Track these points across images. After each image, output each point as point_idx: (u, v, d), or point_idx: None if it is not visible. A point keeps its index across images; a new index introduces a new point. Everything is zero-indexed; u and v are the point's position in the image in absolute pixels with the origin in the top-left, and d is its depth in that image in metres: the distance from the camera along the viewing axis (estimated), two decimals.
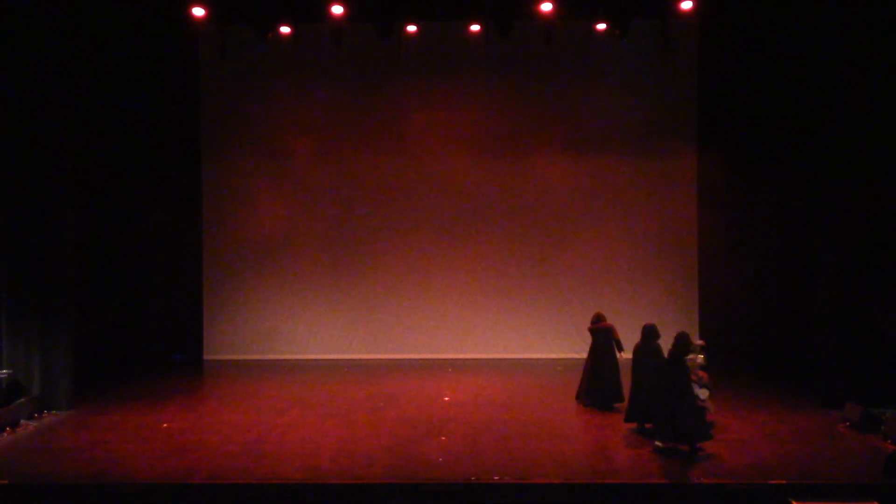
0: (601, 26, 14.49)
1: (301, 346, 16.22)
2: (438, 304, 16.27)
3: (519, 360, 15.82)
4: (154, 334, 15.53)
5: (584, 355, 14.53)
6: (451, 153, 16.23)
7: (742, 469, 8.97)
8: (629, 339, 15.64)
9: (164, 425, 10.97)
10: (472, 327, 16.23)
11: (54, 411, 11.70)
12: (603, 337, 12.01)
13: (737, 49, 14.71)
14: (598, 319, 12.17)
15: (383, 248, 16.33)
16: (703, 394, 9.91)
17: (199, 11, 13.52)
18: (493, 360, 15.80)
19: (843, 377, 11.57)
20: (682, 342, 9.67)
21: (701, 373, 10.17)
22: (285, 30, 14.45)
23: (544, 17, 13.70)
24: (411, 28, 14.62)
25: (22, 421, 11.08)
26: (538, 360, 15.79)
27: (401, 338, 16.24)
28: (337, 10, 13.58)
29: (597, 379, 11.95)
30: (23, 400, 11.42)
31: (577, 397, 12.24)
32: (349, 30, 14.62)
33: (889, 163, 11.55)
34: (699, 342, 9.94)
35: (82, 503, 8.46)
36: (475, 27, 14.65)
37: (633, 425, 10.55)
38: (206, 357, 16.14)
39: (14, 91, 11.67)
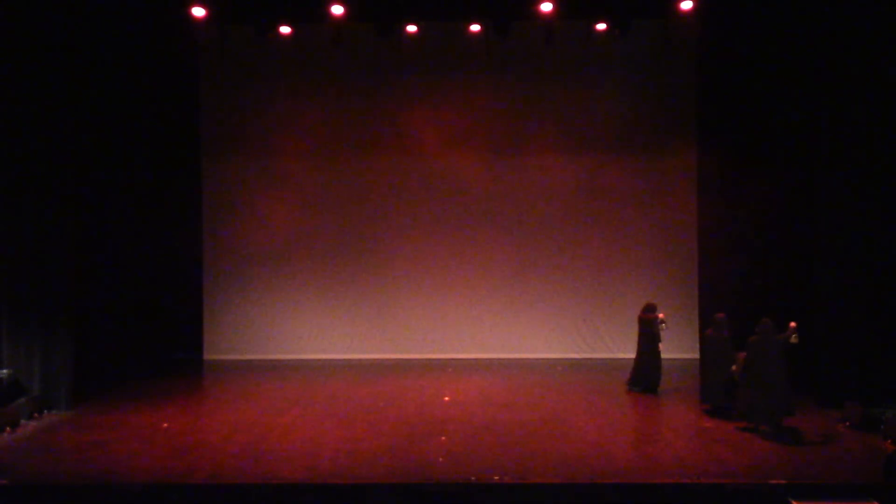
0: (601, 26, 14.50)
1: (301, 346, 16.22)
2: (438, 303, 16.28)
3: (519, 360, 15.82)
4: (154, 334, 15.52)
5: (584, 355, 15.23)
6: (451, 153, 16.24)
7: (742, 469, 8.97)
8: (628, 338, 15.89)
9: (165, 425, 10.97)
10: (472, 327, 16.24)
11: (54, 411, 11.70)
12: (644, 327, 13.05)
13: (737, 49, 14.69)
14: (645, 309, 13.13)
15: (383, 247, 16.33)
16: None
17: (199, 11, 13.52)
18: (493, 360, 15.82)
19: (843, 377, 11.58)
20: (768, 328, 10.48)
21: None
22: (285, 30, 14.46)
23: (544, 17, 13.70)
24: (411, 28, 14.62)
25: (22, 421, 11.08)
26: (538, 360, 15.80)
27: (401, 338, 16.24)
28: (337, 10, 13.58)
29: (637, 365, 13.11)
30: (23, 400, 11.41)
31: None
32: (349, 30, 14.61)
33: (889, 161, 11.55)
34: (792, 325, 10.56)
35: (82, 503, 8.45)
36: (475, 27, 14.64)
37: (708, 406, 11.51)
38: (206, 357, 16.15)
39: (13, 92, 11.66)
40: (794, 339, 10.51)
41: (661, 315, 13.01)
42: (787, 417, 10.48)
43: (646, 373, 12.97)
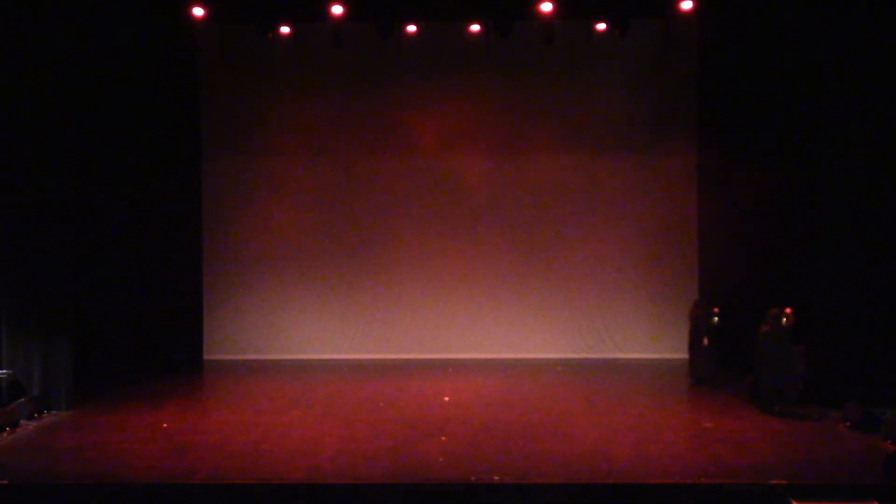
0: (601, 26, 14.51)
1: (301, 346, 16.22)
2: (438, 303, 16.28)
3: (519, 360, 15.82)
4: (154, 334, 15.52)
5: (584, 355, 15.29)
6: (451, 152, 16.24)
7: (742, 469, 8.97)
8: (628, 338, 15.89)
9: (164, 425, 10.97)
10: (472, 327, 16.23)
11: (54, 411, 11.69)
12: (693, 321, 13.76)
13: (737, 48, 14.71)
14: (696, 304, 14.08)
15: (383, 247, 16.33)
16: None
17: (199, 11, 13.53)
18: (493, 360, 15.80)
19: (843, 377, 11.58)
20: (777, 317, 11.46)
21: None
22: (285, 30, 14.46)
23: (544, 16, 13.70)
24: (411, 28, 14.62)
25: (22, 421, 11.06)
26: (538, 360, 15.79)
27: (401, 338, 16.24)
28: (337, 10, 13.59)
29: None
30: (23, 400, 11.40)
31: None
32: (349, 30, 14.61)
33: (890, 158, 11.54)
34: (787, 311, 11.50)
35: (82, 503, 8.45)
36: (475, 27, 14.65)
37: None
38: (206, 357, 16.15)
39: (13, 92, 11.65)
40: (785, 321, 11.42)
41: (715, 309, 13.68)
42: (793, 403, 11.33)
43: (696, 365, 13.53)
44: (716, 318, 13.59)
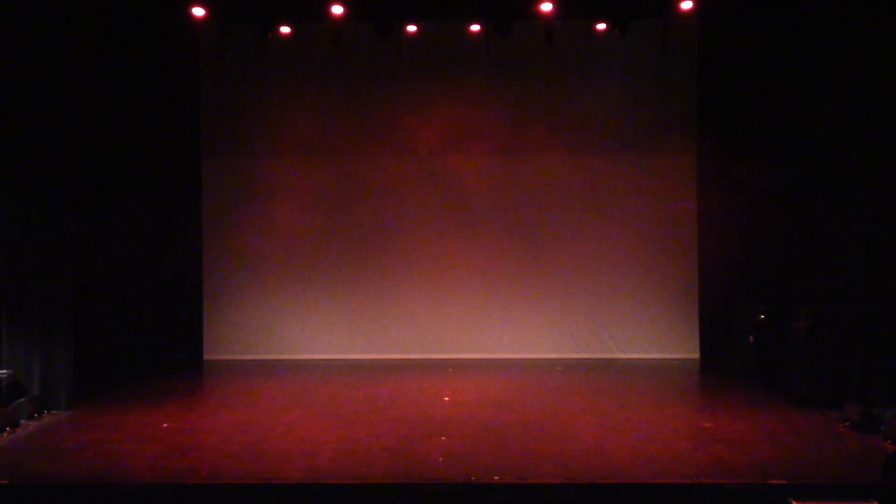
0: (601, 26, 14.51)
1: (301, 346, 16.21)
2: (438, 303, 16.27)
3: (519, 360, 15.81)
4: (154, 334, 15.52)
5: (584, 355, 15.31)
6: (451, 152, 16.23)
7: (742, 469, 8.97)
8: (628, 338, 15.89)
9: (164, 425, 10.96)
10: (472, 327, 16.22)
11: (54, 411, 11.68)
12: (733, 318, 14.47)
13: (737, 48, 14.72)
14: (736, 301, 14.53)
15: (383, 247, 16.32)
16: None
17: (199, 11, 13.52)
18: (493, 359, 15.79)
19: (843, 377, 11.58)
20: (809, 314, 11.91)
21: None
22: (285, 30, 14.46)
23: (544, 17, 13.71)
24: (411, 28, 14.62)
25: (22, 421, 11.06)
26: (538, 360, 15.78)
27: (401, 338, 16.22)
28: (337, 10, 13.57)
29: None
30: (23, 400, 11.39)
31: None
32: (349, 30, 14.62)
33: (889, 163, 11.54)
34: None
35: (82, 503, 8.45)
36: (475, 27, 14.65)
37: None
38: (206, 357, 16.14)
39: (12, 91, 11.65)
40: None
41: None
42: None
43: (734, 361, 13.99)
44: (762, 316, 13.78)
